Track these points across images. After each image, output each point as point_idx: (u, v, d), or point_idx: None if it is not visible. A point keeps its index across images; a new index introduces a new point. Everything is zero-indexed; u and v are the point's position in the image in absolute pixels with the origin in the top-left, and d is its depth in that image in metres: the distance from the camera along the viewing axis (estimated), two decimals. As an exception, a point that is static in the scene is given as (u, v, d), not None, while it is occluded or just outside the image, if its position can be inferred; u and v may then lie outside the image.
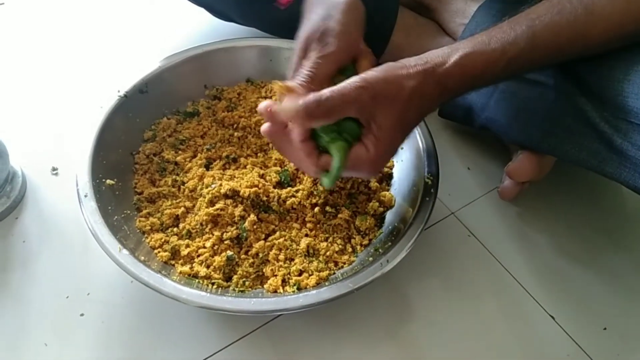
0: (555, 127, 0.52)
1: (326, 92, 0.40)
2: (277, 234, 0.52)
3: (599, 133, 0.48)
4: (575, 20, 0.43)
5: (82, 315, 0.52)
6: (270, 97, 0.63)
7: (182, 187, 0.55)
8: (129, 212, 0.53)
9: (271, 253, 0.50)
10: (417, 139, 0.56)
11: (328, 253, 0.51)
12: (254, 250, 0.50)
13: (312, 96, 0.39)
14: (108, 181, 0.53)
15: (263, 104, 0.43)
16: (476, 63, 0.43)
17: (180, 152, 0.59)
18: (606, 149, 0.48)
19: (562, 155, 0.52)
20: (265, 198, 0.53)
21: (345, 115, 0.41)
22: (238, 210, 0.51)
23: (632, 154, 0.45)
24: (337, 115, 0.40)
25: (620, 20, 0.44)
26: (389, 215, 0.54)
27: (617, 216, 0.63)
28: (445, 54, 0.43)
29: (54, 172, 0.63)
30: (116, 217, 0.50)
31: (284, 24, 0.51)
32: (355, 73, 0.42)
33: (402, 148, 0.57)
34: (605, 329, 0.52)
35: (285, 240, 0.51)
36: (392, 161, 0.58)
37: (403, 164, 0.57)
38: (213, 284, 0.48)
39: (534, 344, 0.51)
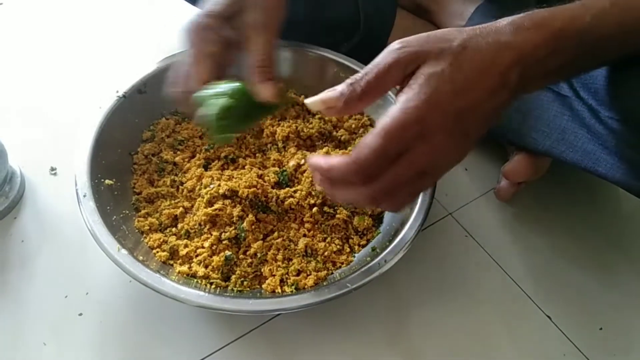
0: (550, 128, 0.53)
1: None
2: (276, 234, 0.52)
3: (594, 134, 0.49)
4: None
5: (80, 314, 0.52)
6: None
7: (180, 187, 0.55)
8: (127, 212, 0.53)
9: (269, 253, 0.50)
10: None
11: (326, 253, 0.51)
12: (252, 250, 0.50)
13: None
14: (107, 181, 0.53)
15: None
16: (556, 15, 0.37)
17: (178, 152, 0.59)
18: (600, 150, 0.48)
19: (557, 156, 0.52)
20: (263, 198, 0.53)
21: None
22: (236, 211, 0.51)
23: (626, 155, 0.45)
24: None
25: None
26: (387, 216, 0.55)
27: (613, 216, 0.63)
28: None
29: (53, 172, 0.64)
30: (115, 217, 0.51)
31: (288, 28, 0.51)
32: None
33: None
34: (601, 328, 0.53)
35: (284, 240, 0.51)
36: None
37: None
38: (211, 283, 0.48)
39: (530, 344, 0.52)
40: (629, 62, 0.44)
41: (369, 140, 0.34)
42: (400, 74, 0.36)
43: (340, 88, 0.37)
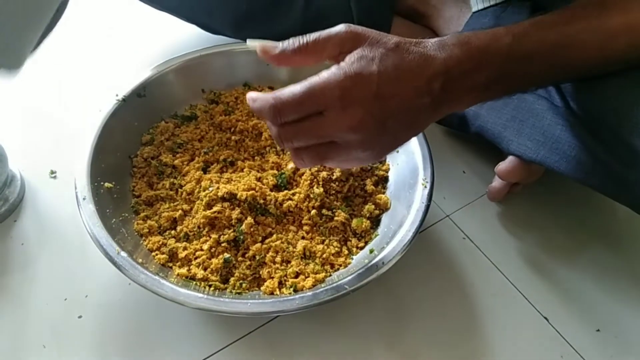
0: (545, 137, 0.53)
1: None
2: (274, 236, 0.52)
3: (585, 145, 0.49)
4: (587, 11, 0.42)
5: (80, 317, 0.52)
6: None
7: (179, 190, 0.56)
8: (126, 215, 0.53)
9: (268, 255, 0.51)
10: (413, 142, 0.56)
11: (324, 255, 0.51)
12: (251, 253, 0.51)
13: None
14: (106, 184, 0.53)
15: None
16: (479, 36, 0.40)
17: (178, 155, 0.59)
18: (592, 161, 0.49)
19: (551, 166, 0.53)
20: (262, 201, 0.53)
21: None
22: (235, 213, 0.52)
23: (616, 168, 0.45)
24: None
25: (636, 20, 0.42)
26: (385, 218, 0.55)
27: (610, 219, 0.63)
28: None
29: (52, 175, 0.64)
30: (114, 220, 0.51)
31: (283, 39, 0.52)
32: None
33: (397, 151, 0.58)
34: (598, 330, 0.53)
35: (282, 242, 0.52)
36: (388, 164, 0.59)
37: (399, 167, 0.58)
38: (210, 286, 0.48)
39: (528, 346, 0.52)
40: (624, 79, 0.45)
41: (293, 87, 0.38)
42: (336, 48, 0.39)
43: (282, 41, 0.40)
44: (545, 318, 0.54)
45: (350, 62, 0.38)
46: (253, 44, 0.41)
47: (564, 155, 0.51)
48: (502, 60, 0.41)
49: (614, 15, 0.42)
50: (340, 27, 0.40)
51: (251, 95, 0.40)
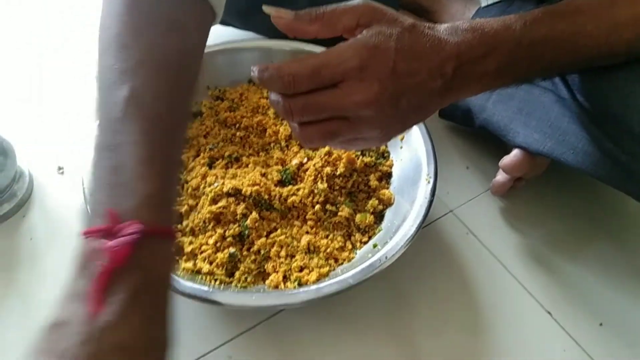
0: (552, 129, 0.53)
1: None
2: (279, 231, 0.53)
3: (592, 137, 0.49)
4: (595, 1, 0.43)
5: (88, 311, 0.53)
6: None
7: (185, 185, 0.56)
8: (133, 210, 0.54)
9: (273, 250, 0.51)
10: (416, 137, 0.57)
11: (328, 250, 0.52)
12: (255, 247, 0.51)
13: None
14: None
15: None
16: (491, 22, 0.41)
17: (183, 151, 0.60)
18: (599, 153, 0.49)
19: (558, 158, 0.53)
20: (266, 196, 0.54)
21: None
22: (240, 208, 0.52)
23: (622, 159, 0.46)
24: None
25: None
26: (389, 213, 0.55)
27: (614, 213, 0.63)
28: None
29: (60, 171, 0.65)
30: (121, 215, 0.51)
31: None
32: None
33: (401, 147, 0.58)
34: (601, 324, 0.53)
35: (287, 237, 0.52)
36: (391, 159, 0.59)
37: (402, 163, 0.58)
38: (216, 280, 0.49)
39: (531, 340, 0.52)
40: (628, 71, 0.45)
41: (310, 56, 0.36)
42: (353, 21, 0.38)
43: (298, 10, 0.39)
44: (549, 312, 0.54)
45: (368, 35, 0.37)
46: (269, 9, 0.40)
47: (570, 147, 0.51)
48: (512, 46, 0.41)
49: (622, 6, 0.42)
50: (358, 1, 0.39)
51: (260, 65, 0.38)
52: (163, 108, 0.37)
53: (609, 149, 0.47)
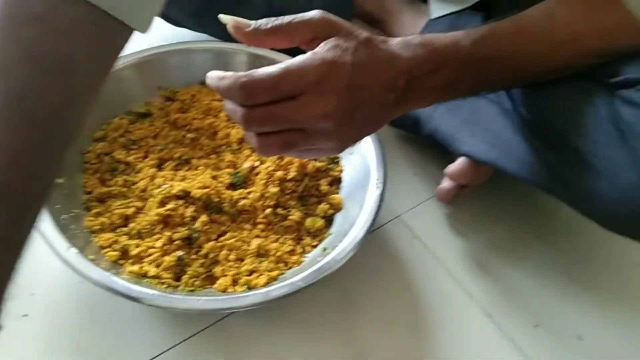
0: (495, 139, 0.56)
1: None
2: (229, 234, 0.53)
3: (533, 148, 0.52)
4: (536, 21, 0.45)
5: (25, 315, 0.51)
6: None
7: (132, 187, 0.55)
8: (77, 211, 0.52)
9: (222, 253, 0.51)
10: (366, 144, 0.58)
11: (278, 253, 0.52)
12: (204, 251, 0.51)
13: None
14: (56, 180, 0.52)
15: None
16: (441, 38, 0.42)
17: (131, 152, 0.59)
18: (539, 163, 0.52)
19: (501, 166, 0.55)
20: (217, 199, 0.53)
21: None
22: (189, 211, 0.52)
23: (559, 169, 0.49)
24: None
25: (580, 30, 0.45)
26: (338, 218, 0.56)
27: (551, 220, 0.67)
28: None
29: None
30: (63, 216, 0.50)
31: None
32: None
33: (351, 153, 0.59)
34: (536, 326, 0.56)
35: (237, 241, 0.52)
36: (342, 165, 0.60)
37: (353, 168, 0.59)
38: (163, 283, 0.48)
39: (471, 341, 0.54)
40: (557, 82, 0.48)
41: (269, 68, 0.37)
42: (310, 33, 0.39)
43: (256, 20, 0.39)
44: (489, 315, 0.56)
45: (325, 49, 0.38)
46: (226, 18, 0.40)
47: (513, 157, 0.54)
48: (461, 62, 0.43)
49: (560, 26, 0.45)
50: (315, 13, 0.40)
51: (216, 73, 0.38)
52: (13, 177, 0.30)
53: (548, 159, 0.50)
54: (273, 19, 0.39)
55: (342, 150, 0.44)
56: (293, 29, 0.39)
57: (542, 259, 0.62)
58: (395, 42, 0.42)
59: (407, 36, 0.43)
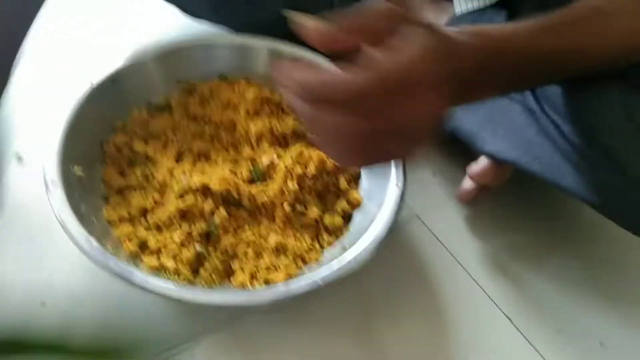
0: (518, 139, 0.55)
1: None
2: (247, 229, 0.52)
3: (557, 148, 0.51)
4: (587, 15, 0.43)
5: (43, 305, 0.51)
6: (243, 95, 0.63)
7: (151, 179, 0.55)
8: (96, 202, 0.52)
9: (240, 248, 0.51)
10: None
11: (297, 250, 0.51)
12: (222, 245, 0.50)
13: None
14: (76, 170, 0.52)
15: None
16: (497, 29, 0.40)
17: (150, 144, 0.58)
18: (564, 163, 0.51)
19: (523, 167, 0.54)
20: (235, 194, 0.53)
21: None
22: (208, 205, 0.51)
23: (585, 170, 0.48)
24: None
25: (632, 26, 0.44)
26: (357, 215, 0.55)
27: (574, 224, 0.66)
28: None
29: (19, 160, 0.62)
30: (83, 207, 0.50)
31: (264, 26, 0.51)
32: None
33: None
34: (558, 331, 0.55)
35: (255, 236, 0.52)
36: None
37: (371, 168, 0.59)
38: (180, 277, 0.48)
39: (491, 344, 0.53)
40: (588, 81, 0.47)
41: (356, 76, 0.32)
42: (384, 25, 0.35)
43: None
44: (509, 318, 0.55)
45: (409, 45, 0.33)
46: (297, 18, 0.35)
47: (536, 157, 0.53)
48: (518, 55, 0.41)
49: (611, 22, 0.44)
50: (380, 4, 0.35)
51: (305, 76, 0.33)
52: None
53: (574, 159, 0.49)
54: (344, 14, 0.35)
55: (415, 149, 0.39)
56: (371, 24, 0.35)
57: (564, 264, 0.61)
58: (455, 33, 0.38)
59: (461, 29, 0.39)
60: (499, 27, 0.41)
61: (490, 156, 0.58)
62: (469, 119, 0.60)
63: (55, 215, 0.46)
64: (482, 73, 0.39)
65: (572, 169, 0.50)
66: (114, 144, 0.57)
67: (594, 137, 0.47)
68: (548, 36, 0.42)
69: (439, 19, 0.72)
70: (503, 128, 0.57)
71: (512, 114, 0.56)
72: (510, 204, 0.66)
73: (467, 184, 0.62)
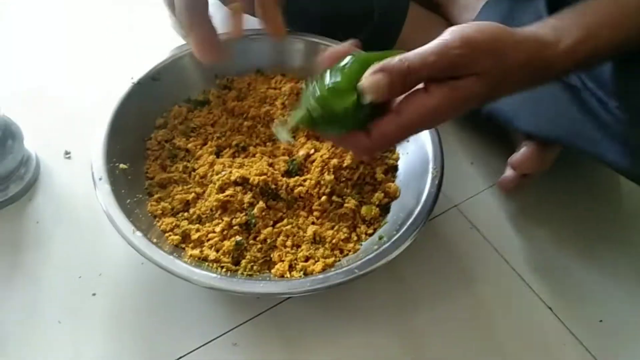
0: (560, 116, 0.54)
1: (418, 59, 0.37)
2: (285, 221, 0.53)
3: (602, 123, 0.50)
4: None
5: (94, 294, 0.53)
6: (280, 89, 0.64)
7: (192, 173, 0.57)
8: (140, 196, 0.54)
9: (279, 239, 0.52)
10: (423, 132, 0.57)
11: (334, 241, 0.52)
12: (262, 236, 0.52)
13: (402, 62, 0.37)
14: (121, 166, 0.54)
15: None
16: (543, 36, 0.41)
17: (191, 139, 0.60)
18: (608, 139, 0.50)
19: (567, 144, 0.54)
20: (273, 186, 0.54)
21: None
22: (247, 197, 0.53)
23: (633, 142, 0.46)
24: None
25: None
26: (394, 206, 0.56)
27: (616, 211, 0.64)
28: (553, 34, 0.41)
29: (67, 155, 0.65)
30: (129, 200, 0.52)
31: (296, 15, 0.52)
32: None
33: (407, 140, 0.58)
34: (601, 321, 0.54)
35: (293, 227, 0.53)
36: (397, 153, 0.60)
37: (408, 157, 0.59)
38: (222, 267, 0.49)
39: (532, 334, 0.53)
40: (635, 58, 0.45)
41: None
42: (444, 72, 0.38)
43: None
44: (550, 308, 0.55)
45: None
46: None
47: (579, 134, 0.52)
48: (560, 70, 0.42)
49: None
50: (453, 38, 0.38)
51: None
52: None
53: (620, 134, 0.47)
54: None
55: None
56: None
57: (607, 254, 0.59)
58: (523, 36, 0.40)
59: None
60: (544, 32, 0.41)
61: (531, 135, 0.57)
62: (507, 99, 0.59)
63: (103, 210, 0.48)
64: (529, 84, 0.42)
65: (617, 144, 0.48)
66: (155, 139, 0.59)
67: None
68: (589, 40, 0.41)
69: (476, 3, 0.71)
70: (544, 106, 0.56)
71: (553, 91, 0.55)
72: (551, 191, 0.64)
73: (509, 172, 0.61)
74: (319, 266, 0.49)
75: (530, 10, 0.61)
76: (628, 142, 0.47)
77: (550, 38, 0.41)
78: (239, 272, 0.50)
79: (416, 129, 0.40)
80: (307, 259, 0.51)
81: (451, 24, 0.73)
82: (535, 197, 0.64)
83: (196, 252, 0.50)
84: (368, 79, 0.38)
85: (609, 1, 0.43)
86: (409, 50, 0.39)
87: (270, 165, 0.56)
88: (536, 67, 0.40)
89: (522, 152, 0.59)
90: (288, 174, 0.57)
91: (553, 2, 0.62)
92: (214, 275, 0.46)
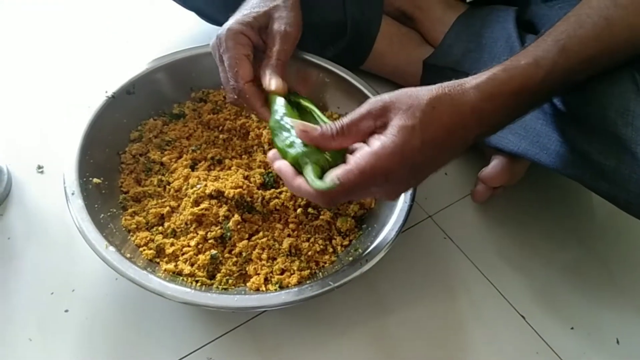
0: (526, 131, 0.55)
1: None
2: (261, 233, 0.53)
3: (566, 138, 0.51)
4: (601, 32, 0.43)
5: (66, 311, 0.52)
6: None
7: (167, 187, 0.56)
8: (114, 210, 0.54)
9: (254, 252, 0.52)
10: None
11: (310, 253, 0.52)
12: (237, 250, 0.52)
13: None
14: (94, 180, 0.53)
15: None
16: (512, 77, 0.42)
17: (166, 152, 0.60)
18: (572, 153, 0.51)
19: (531, 158, 0.55)
20: (249, 199, 0.54)
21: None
22: (222, 211, 0.53)
23: (594, 157, 0.47)
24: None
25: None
26: (369, 218, 0.56)
27: (586, 220, 0.65)
28: (476, 75, 0.42)
29: (40, 170, 0.64)
30: (102, 215, 0.51)
31: None
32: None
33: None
34: (572, 328, 0.55)
35: (269, 240, 0.53)
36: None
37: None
38: (197, 281, 0.49)
39: (505, 342, 0.54)
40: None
41: (336, 172, 0.40)
42: (371, 123, 0.41)
43: (321, 125, 0.43)
44: (522, 316, 0.56)
45: (392, 137, 0.39)
46: (294, 124, 0.44)
47: (543, 148, 0.53)
48: (532, 98, 0.43)
49: (619, 32, 0.43)
50: (368, 103, 0.42)
51: (297, 182, 0.43)
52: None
53: (583, 148, 0.49)
54: (335, 123, 0.42)
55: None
56: (355, 127, 0.42)
57: (576, 261, 0.61)
58: (468, 89, 0.41)
59: (481, 80, 0.42)
60: (518, 74, 0.42)
61: (499, 150, 0.58)
62: None
63: (76, 225, 0.48)
64: (501, 121, 0.44)
65: (579, 158, 0.50)
66: (130, 153, 0.59)
67: (606, 124, 0.46)
68: (561, 63, 0.42)
69: (448, 17, 0.72)
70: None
71: None
72: (523, 201, 0.66)
73: (480, 186, 0.62)
74: (294, 279, 0.50)
75: (499, 27, 0.63)
76: (590, 159, 0.48)
77: (469, 77, 0.42)
78: (214, 286, 0.49)
79: (364, 189, 0.42)
80: (282, 272, 0.51)
81: (425, 38, 0.75)
82: (508, 207, 0.65)
83: (171, 266, 0.50)
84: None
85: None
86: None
87: (246, 177, 0.56)
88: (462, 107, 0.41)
89: (492, 166, 0.60)
90: (264, 186, 0.57)
91: (521, 18, 0.64)
92: (188, 289, 0.46)
